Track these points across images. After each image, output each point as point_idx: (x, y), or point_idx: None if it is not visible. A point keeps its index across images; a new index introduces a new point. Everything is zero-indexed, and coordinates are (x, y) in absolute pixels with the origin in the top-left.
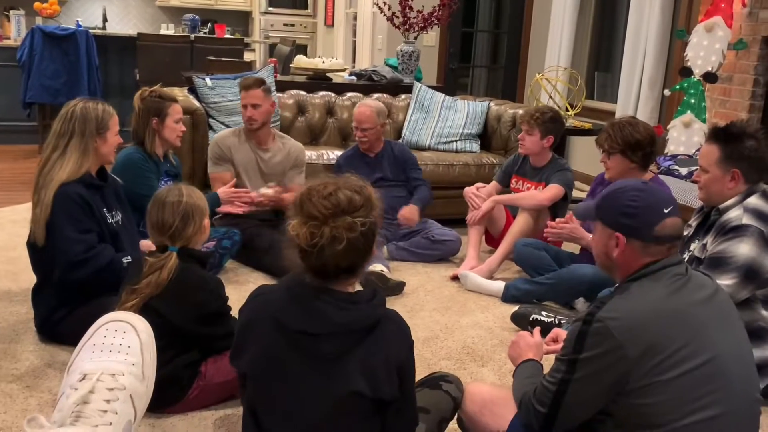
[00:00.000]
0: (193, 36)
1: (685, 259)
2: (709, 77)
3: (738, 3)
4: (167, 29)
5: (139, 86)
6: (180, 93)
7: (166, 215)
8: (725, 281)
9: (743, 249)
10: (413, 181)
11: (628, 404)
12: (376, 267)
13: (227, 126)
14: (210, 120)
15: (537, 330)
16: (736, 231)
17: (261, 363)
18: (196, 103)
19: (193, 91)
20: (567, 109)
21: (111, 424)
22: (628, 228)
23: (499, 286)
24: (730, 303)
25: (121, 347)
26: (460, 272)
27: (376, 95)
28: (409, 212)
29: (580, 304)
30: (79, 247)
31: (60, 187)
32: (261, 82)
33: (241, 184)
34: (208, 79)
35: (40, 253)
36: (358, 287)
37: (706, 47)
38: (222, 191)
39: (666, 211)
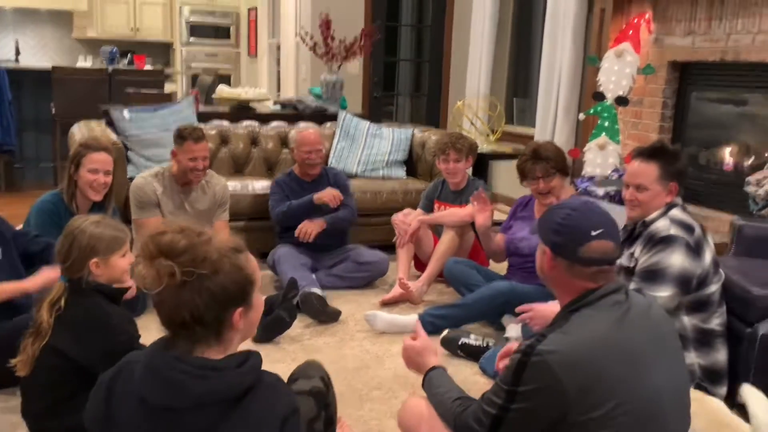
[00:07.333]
0: (110, 68)
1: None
2: (621, 101)
3: (645, 30)
4: (85, 61)
5: (54, 120)
6: (97, 126)
7: (62, 242)
8: (662, 293)
9: (676, 259)
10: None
11: None
12: (316, 290)
13: (147, 158)
14: (129, 153)
15: (419, 330)
16: (667, 242)
17: None
18: (113, 136)
19: (111, 124)
20: (488, 135)
21: None
22: (554, 245)
23: (412, 318)
24: (669, 324)
25: None
26: (367, 314)
27: (302, 124)
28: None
29: (506, 320)
30: None
31: None
32: (202, 131)
33: None
34: (125, 112)
35: None
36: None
37: (617, 72)
38: None
39: (593, 234)
